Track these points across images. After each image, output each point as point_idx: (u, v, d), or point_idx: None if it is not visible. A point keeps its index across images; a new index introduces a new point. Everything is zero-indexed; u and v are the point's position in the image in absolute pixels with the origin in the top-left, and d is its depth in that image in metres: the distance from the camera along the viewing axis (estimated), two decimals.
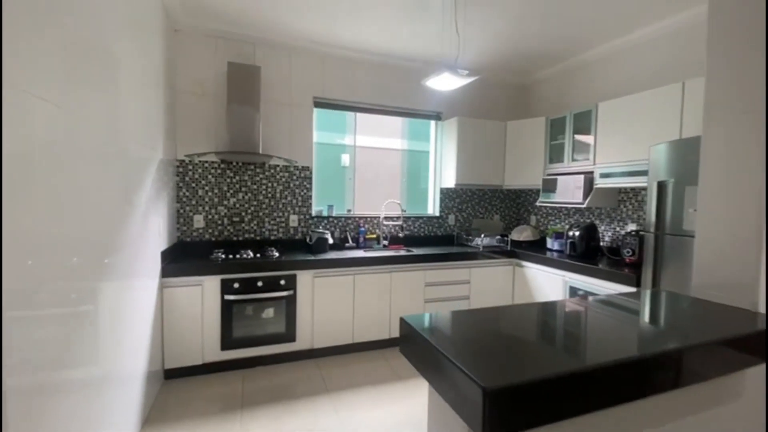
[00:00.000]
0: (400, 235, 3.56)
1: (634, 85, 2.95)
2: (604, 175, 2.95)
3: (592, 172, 3.06)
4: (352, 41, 3.23)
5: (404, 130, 3.99)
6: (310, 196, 3.41)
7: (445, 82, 2.54)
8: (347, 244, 3.44)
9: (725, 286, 1.26)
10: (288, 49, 3.24)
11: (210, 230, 3.10)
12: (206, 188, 3.07)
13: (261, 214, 3.25)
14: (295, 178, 3.34)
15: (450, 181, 3.67)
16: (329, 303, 2.91)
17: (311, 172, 3.39)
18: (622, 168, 2.78)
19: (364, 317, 3.01)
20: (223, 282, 2.64)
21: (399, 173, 3.99)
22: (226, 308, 2.65)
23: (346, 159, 3.84)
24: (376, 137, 3.92)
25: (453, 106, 3.85)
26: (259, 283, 2.71)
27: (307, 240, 3.19)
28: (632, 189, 3.03)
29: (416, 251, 3.35)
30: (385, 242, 3.57)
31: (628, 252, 2.75)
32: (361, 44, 3.28)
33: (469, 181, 3.66)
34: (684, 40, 2.66)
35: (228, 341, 2.67)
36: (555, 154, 3.44)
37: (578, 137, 3.18)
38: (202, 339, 2.61)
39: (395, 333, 3.14)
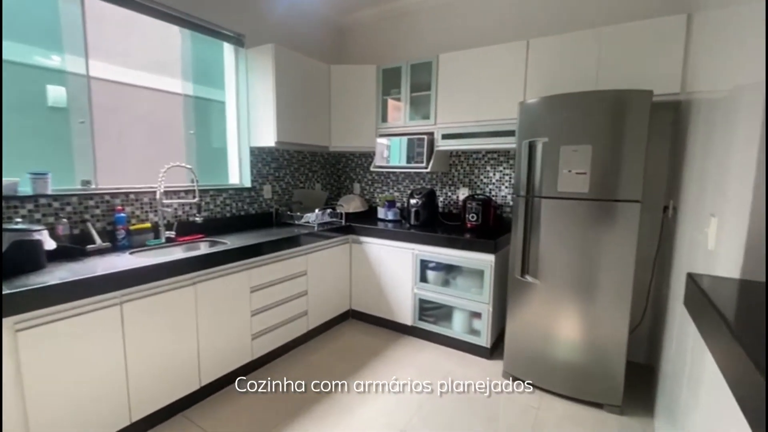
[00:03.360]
0: (198, 219, 2.26)
1: (480, 38, 2.74)
2: (447, 136, 2.72)
3: (432, 133, 2.78)
4: None
5: (185, 67, 2.51)
6: None
7: None
8: (91, 247, 1.87)
9: None
10: None
11: None
12: None
13: None
14: None
15: (267, 139, 2.61)
16: (66, 373, 1.43)
17: None
18: (470, 128, 2.60)
19: (149, 373, 1.69)
20: None
21: (182, 126, 2.53)
22: None
23: (58, 93, 2.02)
24: (137, 71, 2.28)
25: (262, 29, 2.72)
26: None
27: None
28: (463, 152, 2.97)
29: (227, 241, 2.19)
30: (170, 234, 2.19)
31: (472, 217, 2.66)
32: None
33: (293, 140, 2.71)
34: None
35: None
36: (389, 111, 2.99)
37: (417, 93, 2.82)
38: None
39: (209, 377, 1.97)
